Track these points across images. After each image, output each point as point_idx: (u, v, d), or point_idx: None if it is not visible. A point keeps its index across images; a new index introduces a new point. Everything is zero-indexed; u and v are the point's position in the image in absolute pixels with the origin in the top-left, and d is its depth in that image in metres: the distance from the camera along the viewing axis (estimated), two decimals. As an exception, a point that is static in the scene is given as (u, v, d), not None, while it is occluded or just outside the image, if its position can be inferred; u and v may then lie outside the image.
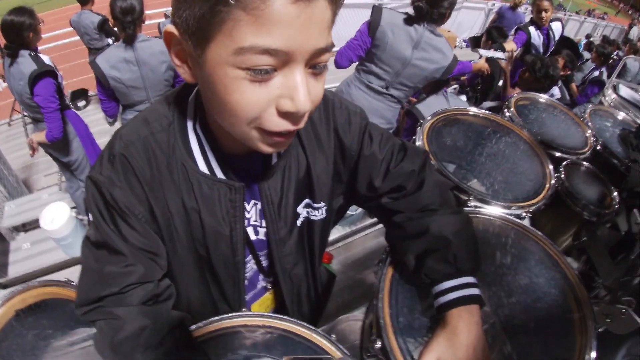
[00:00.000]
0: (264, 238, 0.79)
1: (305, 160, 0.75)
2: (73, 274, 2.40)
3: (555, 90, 3.82)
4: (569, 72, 4.75)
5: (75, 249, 2.46)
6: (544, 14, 4.38)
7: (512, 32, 5.10)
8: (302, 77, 0.51)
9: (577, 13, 24.47)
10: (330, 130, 0.78)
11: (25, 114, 2.83)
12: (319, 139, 0.77)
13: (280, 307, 0.95)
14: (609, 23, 17.69)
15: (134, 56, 2.39)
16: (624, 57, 6.25)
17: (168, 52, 0.58)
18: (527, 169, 1.33)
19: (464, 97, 4.31)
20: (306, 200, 0.79)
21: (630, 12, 43.23)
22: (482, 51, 3.73)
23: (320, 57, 0.52)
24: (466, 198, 1.13)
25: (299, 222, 0.80)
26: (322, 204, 0.81)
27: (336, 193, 0.85)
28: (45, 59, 2.54)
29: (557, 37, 4.73)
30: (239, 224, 0.73)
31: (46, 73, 2.48)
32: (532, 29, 4.51)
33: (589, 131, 1.72)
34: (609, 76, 5.28)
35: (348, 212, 2.09)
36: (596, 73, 5.23)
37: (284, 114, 0.53)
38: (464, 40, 9.52)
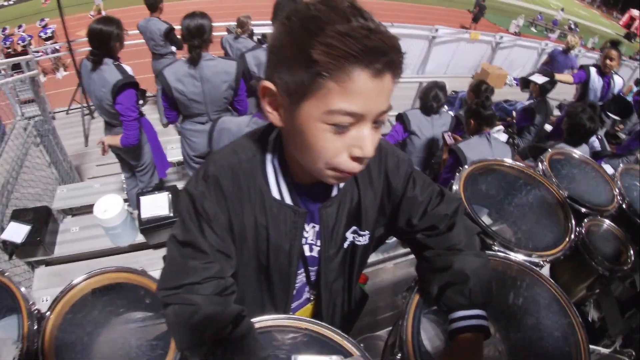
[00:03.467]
0: (316, 255, 0.96)
1: (357, 195, 0.92)
2: (118, 261, 2.61)
3: (596, 142, 3.83)
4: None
5: (121, 239, 2.65)
6: (609, 62, 4.39)
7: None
8: (369, 131, 0.69)
9: (630, 58, 23.98)
10: (382, 171, 0.94)
11: (102, 117, 3.00)
12: (371, 177, 0.93)
13: (317, 317, 1.10)
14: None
15: (198, 73, 2.61)
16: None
17: (261, 99, 0.75)
18: (551, 221, 1.44)
19: (504, 137, 4.37)
20: (354, 227, 0.95)
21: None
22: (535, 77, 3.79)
23: (382, 116, 0.69)
24: (491, 242, 1.26)
25: (345, 245, 0.96)
26: (367, 232, 0.97)
27: (379, 224, 1.00)
28: (128, 69, 2.72)
29: (616, 90, 4.71)
30: (298, 241, 0.90)
31: (130, 84, 2.64)
32: (593, 70, 4.52)
33: (617, 190, 1.81)
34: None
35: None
36: None
37: (355, 158, 0.70)
38: (514, 79, 9.50)
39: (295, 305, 1.07)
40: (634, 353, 1.37)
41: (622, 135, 5.57)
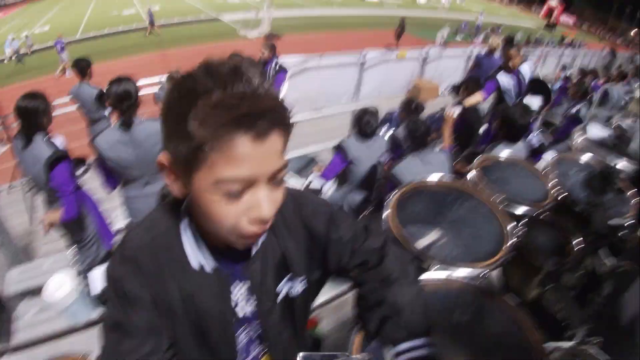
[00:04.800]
0: (254, 310, 0.95)
1: (278, 248, 0.93)
2: (80, 340, 2.50)
3: (534, 139, 3.96)
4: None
5: (78, 316, 2.56)
6: (511, 63, 4.64)
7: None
8: (265, 193, 0.70)
9: (561, 42, 25.40)
10: (299, 221, 0.96)
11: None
12: (289, 228, 0.95)
13: None
14: (587, 51, 18.24)
15: (130, 138, 2.59)
16: (603, 86, 6.50)
17: (161, 172, 0.76)
18: (487, 230, 1.50)
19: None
20: (287, 277, 0.96)
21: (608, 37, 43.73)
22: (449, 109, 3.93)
23: (278, 174, 0.71)
24: (427, 265, 1.29)
25: (280, 297, 0.96)
26: (302, 277, 0.97)
27: (313, 267, 1.01)
28: (60, 140, 2.66)
29: (527, 79, 4.90)
30: (227, 304, 0.90)
31: (61, 158, 2.58)
32: (501, 76, 4.75)
33: (550, 183, 1.89)
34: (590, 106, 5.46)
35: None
36: (576, 108, 5.34)
37: (253, 221, 0.71)
38: (445, 89, 9.87)
39: None
40: (600, 340, 1.41)
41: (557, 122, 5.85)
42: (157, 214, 0.89)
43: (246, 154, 0.64)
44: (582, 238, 1.69)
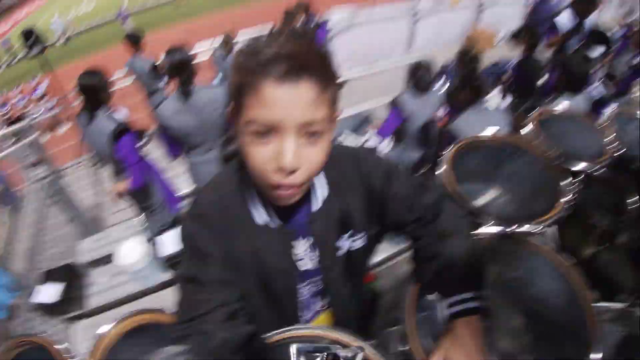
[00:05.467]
0: (315, 267, 1.01)
1: (339, 205, 0.98)
2: (150, 302, 2.68)
3: (594, 91, 3.73)
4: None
5: (148, 280, 2.74)
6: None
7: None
8: (290, 142, 0.73)
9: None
10: (359, 177, 1.00)
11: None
12: (349, 185, 0.99)
13: (334, 325, 1.15)
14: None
15: (190, 106, 2.71)
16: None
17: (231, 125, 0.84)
18: (542, 187, 1.47)
19: (496, 101, 4.29)
20: (348, 232, 1.01)
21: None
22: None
23: (309, 127, 0.73)
24: (483, 221, 1.30)
25: (341, 252, 1.02)
26: (363, 232, 1.02)
27: (372, 223, 1.05)
28: (122, 113, 2.84)
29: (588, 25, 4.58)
30: (290, 259, 0.97)
31: (124, 131, 2.72)
32: (563, 16, 4.47)
33: (608, 138, 1.81)
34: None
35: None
36: (638, 58, 4.84)
37: (278, 169, 0.75)
38: (502, 38, 9.37)
39: (309, 318, 1.12)
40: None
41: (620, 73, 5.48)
42: (223, 176, 0.96)
43: (271, 97, 0.69)
44: (638, 197, 1.63)
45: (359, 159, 1.01)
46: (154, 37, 9.25)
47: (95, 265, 3.67)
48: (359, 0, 9.33)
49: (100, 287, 2.92)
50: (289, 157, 0.73)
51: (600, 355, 0.90)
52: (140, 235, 2.83)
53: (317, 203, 0.96)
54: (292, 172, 0.75)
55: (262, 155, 0.75)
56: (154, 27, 15.73)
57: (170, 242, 2.65)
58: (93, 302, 2.76)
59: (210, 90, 2.81)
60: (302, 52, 0.70)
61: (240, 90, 0.72)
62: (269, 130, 0.72)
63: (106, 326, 1.28)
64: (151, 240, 3.18)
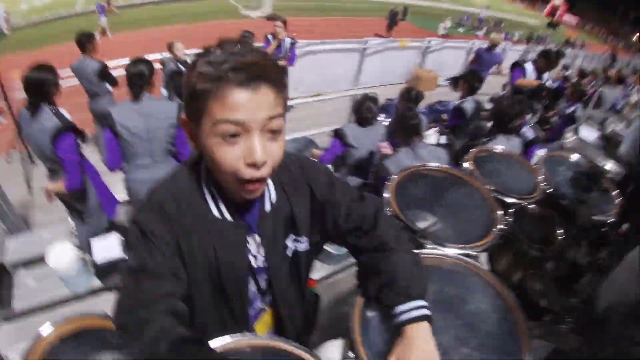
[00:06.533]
0: (262, 265, 1.05)
1: (288, 206, 1.04)
2: (79, 307, 2.58)
3: (529, 132, 4.00)
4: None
5: (78, 286, 2.63)
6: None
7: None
8: (258, 139, 0.82)
9: (565, 43, 25.47)
10: (305, 182, 1.07)
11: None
12: (296, 188, 1.06)
13: (277, 325, 1.18)
14: (587, 52, 18.45)
15: (141, 109, 2.71)
16: (599, 89, 6.64)
17: (184, 131, 0.92)
18: (479, 215, 1.59)
19: (434, 139, 4.55)
20: (292, 235, 1.07)
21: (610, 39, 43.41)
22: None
23: (271, 123, 0.82)
24: (425, 242, 1.39)
25: (289, 252, 1.07)
26: (305, 237, 1.08)
27: (314, 230, 1.10)
28: (64, 113, 2.71)
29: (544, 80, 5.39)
30: (243, 253, 1.00)
31: (68, 129, 2.64)
32: (528, 67, 5.23)
33: (540, 177, 1.99)
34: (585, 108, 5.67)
35: (334, 252, 2.30)
36: (572, 108, 5.50)
37: (249, 165, 0.82)
38: (446, 80, 9.97)
39: (252, 315, 1.13)
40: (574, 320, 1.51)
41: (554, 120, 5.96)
42: (180, 171, 0.99)
43: (238, 101, 0.78)
44: (566, 230, 1.79)
45: (305, 166, 1.10)
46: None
47: (23, 266, 3.49)
48: (310, 36, 9.57)
49: (28, 289, 2.79)
50: (260, 152, 0.81)
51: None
52: (71, 239, 2.74)
53: (268, 203, 1.02)
54: (262, 165, 0.83)
55: (232, 154, 0.82)
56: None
57: (104, 248, 2.58)
58: (20, 304, 2.63)
59: (164, 102, 2.89)
60: (261, 62, 0.80)
61: (204, 95, 0.79)
62: (237, 131, 0.80)
63: (47, 327, 1.24)
64: (82, 245, 3.07)
